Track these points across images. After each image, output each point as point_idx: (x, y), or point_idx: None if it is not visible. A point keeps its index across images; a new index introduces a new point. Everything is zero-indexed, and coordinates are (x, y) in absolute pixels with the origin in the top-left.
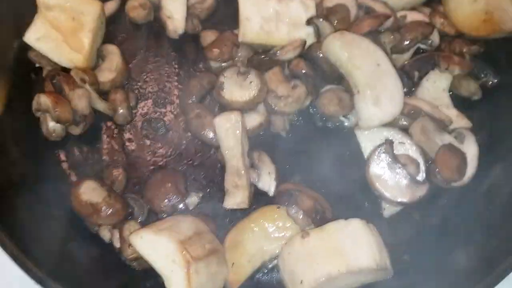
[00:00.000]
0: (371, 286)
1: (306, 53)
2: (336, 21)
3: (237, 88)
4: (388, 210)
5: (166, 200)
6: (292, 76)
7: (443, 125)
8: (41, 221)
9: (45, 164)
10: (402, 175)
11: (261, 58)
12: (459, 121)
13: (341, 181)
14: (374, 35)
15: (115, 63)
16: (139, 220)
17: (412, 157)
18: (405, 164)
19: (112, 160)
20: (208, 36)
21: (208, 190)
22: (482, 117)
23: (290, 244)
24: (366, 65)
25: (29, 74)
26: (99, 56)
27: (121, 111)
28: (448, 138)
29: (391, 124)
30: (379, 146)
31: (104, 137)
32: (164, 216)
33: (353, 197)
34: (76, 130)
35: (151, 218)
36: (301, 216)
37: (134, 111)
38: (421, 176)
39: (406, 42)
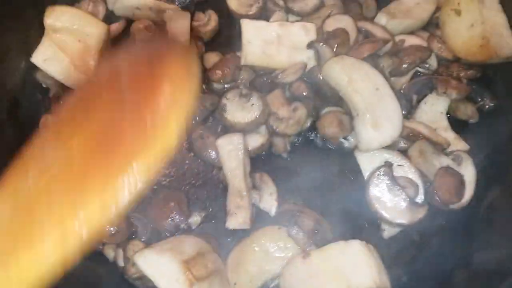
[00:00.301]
0: None
1: (307, 76)
2: (336, 45)
3: (239, 109)
4: (387, 231)
5: (169, 220)
6: (293, 99)
7: (441, 148)
8: None
9: None
10: (401, 197)
11: (263, 81)
12: (457, 143)
13: (342, 202)
14: (373, 59)
15: None
16: (142, 239)
17: (411, 179)
18: (404, 186)
19: None
20: (211, 58)
21: (211, 209)
22: (479, 139)
23: (291, 264)
24: (366, 89)
25: (36, 94)
26: None
27: None
28: (446, 161)
29: (390, 146)
30: (379, 168)
31: None
32: (167, 235)
33: (353, 218)
34: None
35: (154, 237)
36: (302, 237)
37: None
38: (420, 198)
39: (405, 66)
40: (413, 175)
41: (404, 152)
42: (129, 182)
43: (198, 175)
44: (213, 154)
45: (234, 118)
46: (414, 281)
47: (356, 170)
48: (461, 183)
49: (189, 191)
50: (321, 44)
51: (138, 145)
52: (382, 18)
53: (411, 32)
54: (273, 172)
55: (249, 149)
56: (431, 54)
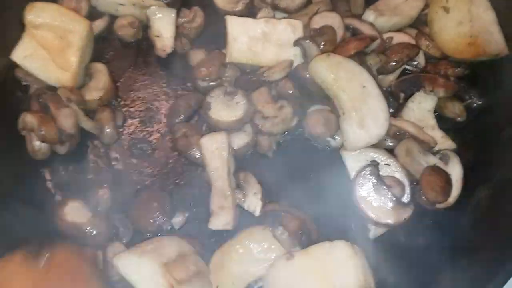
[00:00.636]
0: None
1: (293, 74)
2: (323, 43)
3: (224, 108)
4: (373, 232)
5: (151, 220)
6: (279, 97)
7: (428, 147)
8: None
9: (30, 183)
10: (387, 196)
11: (248, 78)
12: (444, 142)
13: (327, 202)
14: (360, 57)
15: (103, 82)
16: (123, 241)
17: (397, 178)
18: (390, 186)
19: (98, 179)
20: (197, 55)
21: (194, 210)
22: (466, 138)
23: (275, 266)
24: (352, 87)
25: (16, 92)
26: (86, 75)
27: (107, 130)
28: (433, 160)
29: (376, 145)
30: (365, 167)
31: (90, 156)
32: (150, 236)
33: (339, 218)
34: (61, 149)
35: (137, 237)
36: (286, 238)
37: (121, 130)
38: (406, 198)
39: (392, 64)
40: (399, 174)
41: (391, 151)
42: None
43: (182, 174)
44: (197, 153)
45: (218, 116)
46: (400, 282)
47: (342, 169)
48: (448, 182)
49: (172, 191)
50: (307, 41)
51: None
52: (370, 15)
53: (399, 30)
54: (258, 172)
55: (234, 148)
56: (419, 51)
